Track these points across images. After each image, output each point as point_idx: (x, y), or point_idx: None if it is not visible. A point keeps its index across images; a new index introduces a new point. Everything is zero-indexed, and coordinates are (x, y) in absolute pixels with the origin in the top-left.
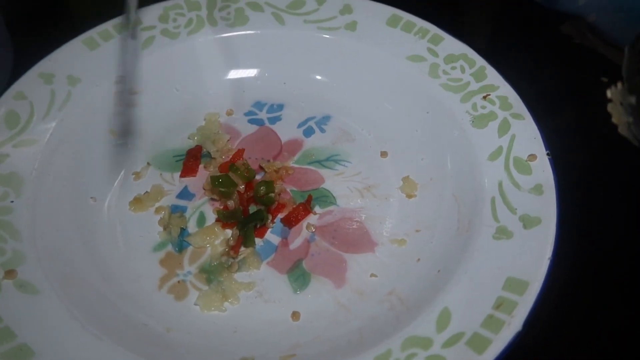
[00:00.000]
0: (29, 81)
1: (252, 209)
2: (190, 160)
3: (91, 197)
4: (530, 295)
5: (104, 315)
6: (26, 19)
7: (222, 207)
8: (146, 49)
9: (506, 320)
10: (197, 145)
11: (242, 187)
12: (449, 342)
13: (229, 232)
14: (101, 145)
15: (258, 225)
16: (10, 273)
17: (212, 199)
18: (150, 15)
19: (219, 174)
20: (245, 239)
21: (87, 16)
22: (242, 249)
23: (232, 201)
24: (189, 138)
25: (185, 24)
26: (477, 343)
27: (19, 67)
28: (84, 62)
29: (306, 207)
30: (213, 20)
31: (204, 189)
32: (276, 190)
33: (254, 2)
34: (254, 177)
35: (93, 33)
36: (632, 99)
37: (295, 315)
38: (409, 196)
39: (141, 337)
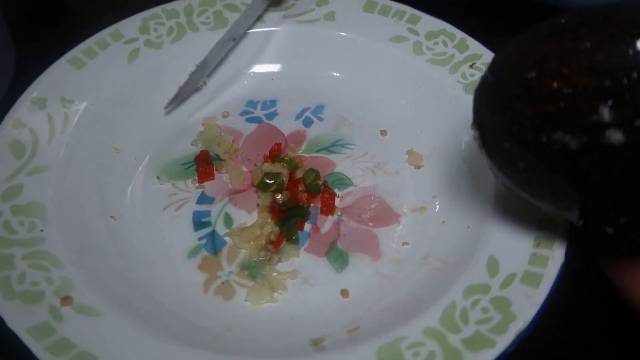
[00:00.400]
0: (24, 108)
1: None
2: (203, 165)
3: (111, 217)
4: (562, 230)
5: (166, 324)
6: (28, 22)
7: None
8: (133, 61)
9: (549, 254)
10: (202, 151)
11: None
12: (505, 284)
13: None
14: (108, 164)
15: (299, 221)
16: (66, 300)
17: (232, 199)
18: (129, 28)
19: (265, 170)
20: (288, 235)
21: (90, 18)
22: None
23: (282, 194)
24: (192, 144)
25: (167, 33)
26: (531, 279)
27: (21, 70)
28: (73, 82)
29: (330, 191)
30: (194, 26)
31: (254, 186)
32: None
33: (230, 4)
34: (297, 167)
35: (77, 52)
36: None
37: (344, 292)
38: (417, 167)
39: (206, 338)
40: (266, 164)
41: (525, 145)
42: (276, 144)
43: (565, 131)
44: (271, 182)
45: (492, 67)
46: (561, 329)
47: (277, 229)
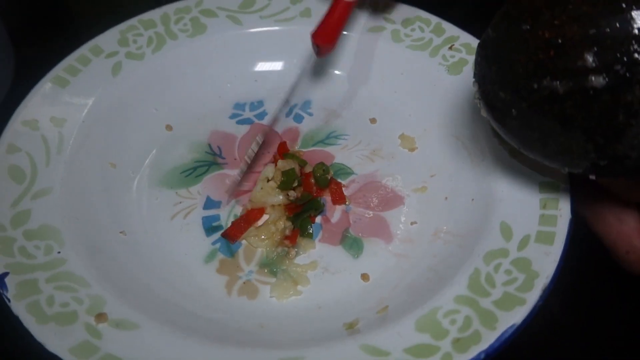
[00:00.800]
0: (15, 131)
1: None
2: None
3: (120, 232)
4: (564, 191)
5: (202, 329)
6: (28, 25)
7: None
8: (117, 75)
9: (557, 214)
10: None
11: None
12: (522, 245)
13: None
14: (107, 180)
15: (312, 215)
16: (100, 317)
17: (239, 201)
18: (109, 41)
19: (280, 167)
20: (302, 229)
21: (90, 20)
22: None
23: (294, 191)
24: (188, 153)
25: (147, 43)
26: (545, 238)
27: (21, 75)
28: (60, 101)
29: (336, 182)
30: (172, 34)
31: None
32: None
33: (206, 10)
34: (306, 163)
35: (59, 70)
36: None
37: (364, 276)
38: (411, 150)
39: (243, 337)
40: (280, 161)
41: (517, 92)
42: (281, 142)
43: (553, 77)
44: (292, 179)
45: (493, 23)
46: (559, 326)
47: (289, 223)
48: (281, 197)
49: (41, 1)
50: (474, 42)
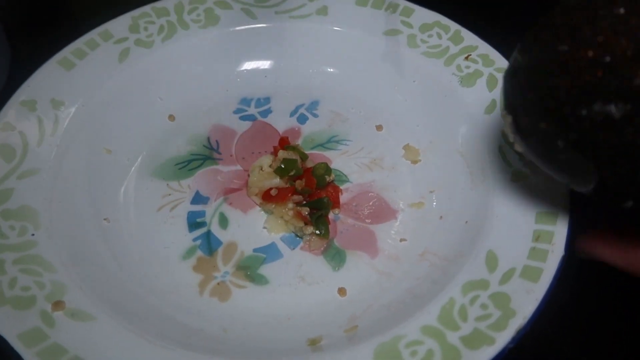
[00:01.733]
0: (13, 111)
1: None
2: None
3: (104, 219)
4: (562, 223)
5: (162, 327)
6: (24, 22)
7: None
8: (123, 61)
9: (549, 248)
10: None
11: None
12: (505, 279)
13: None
14: (100, 165)
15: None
16: (57, 305)
17: (228, 199)
18: (119, 27)
19: (281, 156)
20: (322, 231)
21: (87, 17)
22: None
23: (300, 181)
24: (186, 145)
25: (158, 31)
26: (530, 274)
27: (17, 71)
28: (62, 83)
29: (334, 185)
30: (184, 24)
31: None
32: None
33: (221, 1)
34: (307, 157)
35: (66, 53)
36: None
37: (341, 291)
38: (414, 162)
39: (202, 341)
40: (281, 151)
41: (563, 122)
42: (282, 137)
43: (606, 100)
44: (292, 167)
45: (522, 48)
46: (559, 327)
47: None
48: (278, 180)
49: None
50: (492, 53)
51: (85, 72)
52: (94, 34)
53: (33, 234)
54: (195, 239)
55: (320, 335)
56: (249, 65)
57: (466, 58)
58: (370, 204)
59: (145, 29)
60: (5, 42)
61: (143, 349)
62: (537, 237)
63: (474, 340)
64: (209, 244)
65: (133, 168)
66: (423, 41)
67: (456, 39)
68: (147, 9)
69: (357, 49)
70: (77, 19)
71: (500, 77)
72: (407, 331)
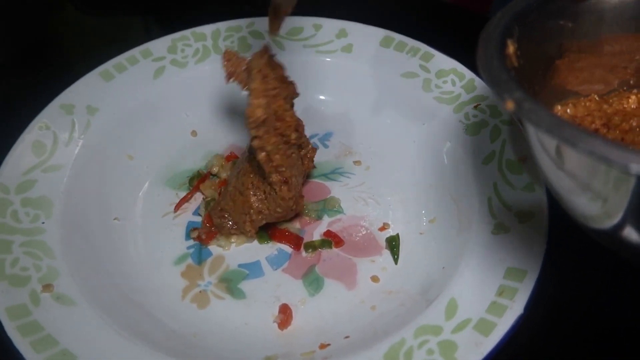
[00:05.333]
0: (52, 112)
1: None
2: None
3: (114, 218)
4: (529, 282)
5: (135, 322)
6: (16, 59)
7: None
8: (158, 78)
9: (508, 304)
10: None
11: None
12: (458, 328)
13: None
14: (120, 169)
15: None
16: (47, 287)
17: None
18: (160, 46)
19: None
20: None
21: (79, 57)
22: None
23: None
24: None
25: (193, 54)
26: (483, 327)
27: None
28: (100, 92)
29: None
30: (218, 49)
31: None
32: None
33: (255, 31)
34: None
35: (108, 66)
36: None
37: None
38: (411, 203)
39: (171, 341)
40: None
41: None
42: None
43: None
44: None
45: None
46: (541, 334)
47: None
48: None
49: (30, 35)
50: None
51: (122, 84)
52: (135, 51)
53: (43, 222)
54: (189, 247)
55: (276, 354)
56: None
57: (475, 107)
58: (359, 237)
59: (182, 50)
60: None
61: (109, 338)
62: (501, 292)
63: None
64: (200, 253)
65: (150, 175)
66: (437, 86)
67: (469, 87)
68: (187, 32)
69: (374, 87)
70: (70, 59)
71: (505, 128)
72: None
